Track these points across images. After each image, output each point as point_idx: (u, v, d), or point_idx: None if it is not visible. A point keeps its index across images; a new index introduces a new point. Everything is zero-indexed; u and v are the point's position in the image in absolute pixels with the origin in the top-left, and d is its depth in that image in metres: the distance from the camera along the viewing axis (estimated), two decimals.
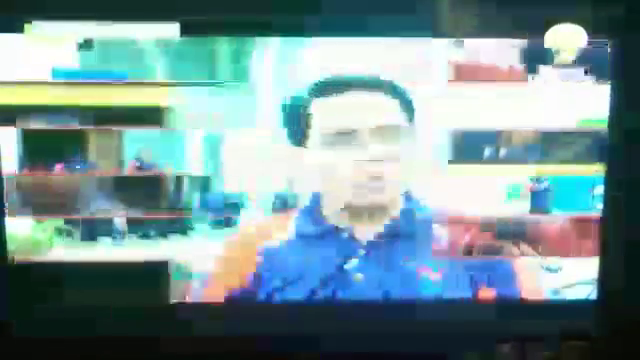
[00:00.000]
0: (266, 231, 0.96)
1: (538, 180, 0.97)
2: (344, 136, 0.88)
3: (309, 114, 0.89)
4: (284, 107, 0.91)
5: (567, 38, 0.95)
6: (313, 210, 0.94)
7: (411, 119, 0.91)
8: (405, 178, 0.92)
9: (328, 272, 0.94)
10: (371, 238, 0.93)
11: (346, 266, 0.94)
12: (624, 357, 1.06)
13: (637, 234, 1.02)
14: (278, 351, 0.99)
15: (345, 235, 0.93)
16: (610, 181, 0.99)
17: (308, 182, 0.93)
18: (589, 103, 0.96)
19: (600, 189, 0.98)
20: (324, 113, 0.89)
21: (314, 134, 0.90)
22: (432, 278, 0.93)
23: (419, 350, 0.99)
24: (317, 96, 0.89)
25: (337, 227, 0.93)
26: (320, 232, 0.94)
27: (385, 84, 0.89)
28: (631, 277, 1.02)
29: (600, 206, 0.99)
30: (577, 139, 0.97)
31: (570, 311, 1.02)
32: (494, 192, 0.96)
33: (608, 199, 0.99)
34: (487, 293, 0.93)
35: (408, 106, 0.90)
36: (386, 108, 0.89)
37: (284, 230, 0.95)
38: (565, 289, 1.01)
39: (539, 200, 1.00)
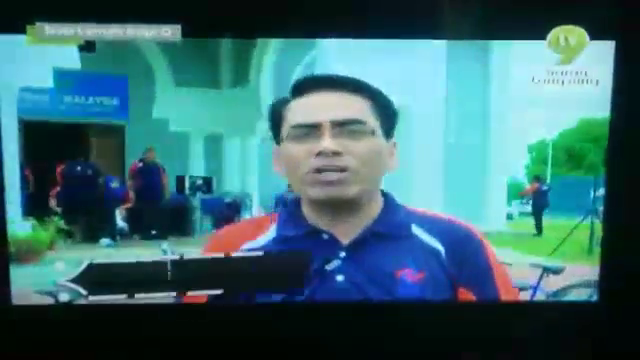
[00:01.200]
0: (248, 232, 0.96)
1: (540, 180, 0.95)
2: (307, 129, 0.87)
3: (286, 113, 0.90)
4: (269, 108, 0.93)
5: (569, 39, 0.94)
6: (293, 210, 0.95)
7: (388, 121, 0.91)
8: (369, 174, 0.89)
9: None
10: (352, 239, 0.92)
11: (327, 267, 0.93)
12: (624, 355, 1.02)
13: (637, 234, 0.99)
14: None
15: (325, 237, 0.92)
16: (611, 181, 0.97)
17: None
18: (590, 103, 0.95)
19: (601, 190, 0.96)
20: (295, 110, 0.89)
21: (284, 131, 0.90)
22: (412, 280, 0.91)
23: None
24: (295, 96, 0.90)
25: (317, 228, 0.92)
26: (300, 233, 0.93)
27: (359, 84, 0.89)
28: (631, 277, 0.99)
29: (601, 207, 0.97)
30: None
31: (571, 311, 1.00)
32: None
33: (609, 200, 0.97)
34: (466, 295, 0.90)
35: (382, 108, 0.91)
36: (353, 106, 0.88)
37: (266, 230, 0.96)
38: (566, 290, 0.99)
39: (540, 201, 0.98)
